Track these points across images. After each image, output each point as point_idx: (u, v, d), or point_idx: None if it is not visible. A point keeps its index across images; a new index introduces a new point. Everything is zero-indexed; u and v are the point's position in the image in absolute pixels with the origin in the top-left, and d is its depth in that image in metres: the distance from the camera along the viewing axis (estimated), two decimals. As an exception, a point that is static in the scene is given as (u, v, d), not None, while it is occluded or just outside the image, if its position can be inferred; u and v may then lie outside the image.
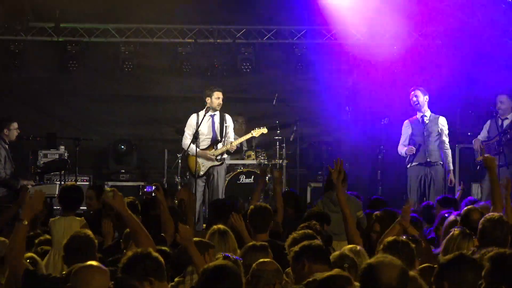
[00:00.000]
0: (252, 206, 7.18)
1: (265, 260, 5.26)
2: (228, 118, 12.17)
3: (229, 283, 4.42)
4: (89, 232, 5.74)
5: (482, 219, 6.05)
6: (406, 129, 11.93)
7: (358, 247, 5.90)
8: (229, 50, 14.71)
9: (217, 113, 12.02)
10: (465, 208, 7.05)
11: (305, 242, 5.35)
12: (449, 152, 11.85)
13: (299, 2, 14.20)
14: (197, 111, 12.05)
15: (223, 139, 12.10)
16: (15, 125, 12.11)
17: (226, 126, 12.12)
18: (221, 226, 6.46)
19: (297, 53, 14.62)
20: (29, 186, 11.88)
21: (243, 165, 13.34)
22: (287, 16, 14.40)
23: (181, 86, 14.70)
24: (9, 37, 14.16)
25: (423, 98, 11.84)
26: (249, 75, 14.78)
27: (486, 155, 7.38)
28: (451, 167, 11.86)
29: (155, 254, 4.66)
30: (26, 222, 5.42)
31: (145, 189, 12.58)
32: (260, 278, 5.06)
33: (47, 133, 13.80)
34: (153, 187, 7.32)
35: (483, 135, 12.02)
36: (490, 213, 6.22)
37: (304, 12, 14.33)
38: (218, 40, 14.46)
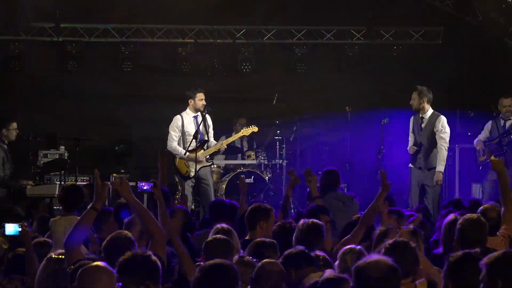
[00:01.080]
0: (253, 205, 7.18)
1: (271, 260, 5.28)
2: (209, 118, 12.16)
3: (226, 281, 4.40)
4: (129, 233, 5.75)
5: (461, 219, 6.08)
6: (410, 126, 11.80)
7: (358, 247, 5.94)
8: (229, 50, 14.72)
9: (199, 113, 12.00)
10: (482, 206, 7.06)
11: (286, 252, 5.53)
12: (441, 151, 11.39)
13: (299, 2, 14.26)
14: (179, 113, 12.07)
15: (208, 140, 12.10)
16: (14, 125, 12.08)
17: (208, 126, 12.10)
18: (224, 226, 6.44)
19: (297, 53, 14.64)
20: (29, 186, 11.89)
21: (243, 165, 13.34)
22: (287, 16, 14.45)
23: (181, 86, 14.68)
24: (9, 37, 14.19)
25: (418, 101, 11.50)
26: (249, 75, 14.79)
27: (492, 157, 7.28)
28: (440, 168, 11.33)
29: (154, 258, 4.64)
30: (98, 211, 5.51)
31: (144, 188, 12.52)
32: (268, 279, 5.08)
33: (47, 133, 13.78)
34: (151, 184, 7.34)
35: (484, 135, 11.93)
36: (469, 214, 6.24)
37: (304, 12, 14.37)
38: (218, 40, 14.47)
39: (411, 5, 14.20)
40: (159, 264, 4.63)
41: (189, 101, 11.93)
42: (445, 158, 11.51)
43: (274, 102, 13.55)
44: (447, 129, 11.50)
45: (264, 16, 14.43)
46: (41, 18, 14.09)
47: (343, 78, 14.74)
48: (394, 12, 14.21)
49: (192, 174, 11.79)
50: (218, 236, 5.89)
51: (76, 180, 12.38)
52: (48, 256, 5.51)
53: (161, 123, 14.76)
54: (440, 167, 11.36)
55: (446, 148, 11.50)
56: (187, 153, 11.77)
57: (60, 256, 5.35)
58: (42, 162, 13.26)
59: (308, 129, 14.45)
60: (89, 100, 14.64)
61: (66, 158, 13.34)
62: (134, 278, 4.54)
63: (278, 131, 13.29)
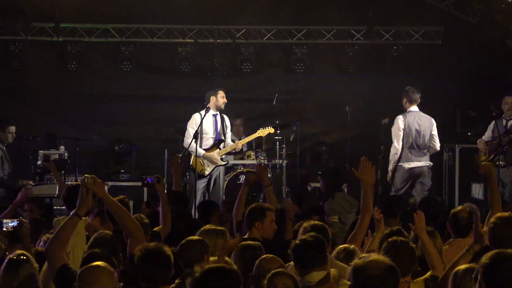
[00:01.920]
0: (250, 206, 7.20)
1: (269, 256, 5.27)
2: (226, 119, 12.24)
3: (227, 283, 4.33)
4: (110, 232, 5.78)
5: (493, 218, 6.08)
6: None
7: (352, 246, 5.96)
8: (229, 50, 14.72)
9: (218, 113, 12.08)
10: (455, 208, 7.18)
11: (299, 238, 5.51)
12: (390, 152, 11.69)
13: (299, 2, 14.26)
14: (198, 111, 12.07)
15: (224, 140, 12.19)
16: (12, 128, 12.01)
17: (226, 127, 12.17)
18: (212, 226, 6.38)
19: (297, 53, 14.63)
20: (29, 186, 11.87)
21: (243, 165, 13.34)
22: (287, 16, 14.45)
23: (181, 86, 14.71)
24: (9, 37, 14.18)
25: (402, 101, 11.83)
26: (249, 75, 14.78)
27: (483, 162, 7.33)
28: (389, 167, 11.67)
29: (168, 253, 4.66)
30: (81, 218, 5.39)
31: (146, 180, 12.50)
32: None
33: (47, 133, 13.77)
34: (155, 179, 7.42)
35: (487, 135, 11.94)
36: (500, 213, 6.24)
37: (303, 12, 14.36)
38: (218, 40, 14.46)
39: (411, 5, 14.20)
40: (172, 261, 4.64)
41: (211, 98, 11.99)
42: (392, 158, 11.59)
43: (274, 102, 13.54)
44: (396, 130, 11.57)
45: (264, 16, 14.42)
46: (41, 18, 14.08)
47: (343, 78, 14.72)
48: (394, 12, 14.21)
49: (207, 173, 11.94)
50: (192, 237, 5.73)
51: (76, 180, 12.37)
52: (8, 258, 5.24)
53: (161, 123, 14.82)
54: (389, 166, 11.53)
55: (393, 149, 11.55)
56: (203, 152, 11.88)
57: (22, 257, 5.14)
58: (42, 162, 13.24)
59: (308, 129, 14.47)
60: (89, 100, 14.64)
61: (66, 158, 13.32)
62: (139, 272, 4.61)
63: (278, 131, 13.28)
